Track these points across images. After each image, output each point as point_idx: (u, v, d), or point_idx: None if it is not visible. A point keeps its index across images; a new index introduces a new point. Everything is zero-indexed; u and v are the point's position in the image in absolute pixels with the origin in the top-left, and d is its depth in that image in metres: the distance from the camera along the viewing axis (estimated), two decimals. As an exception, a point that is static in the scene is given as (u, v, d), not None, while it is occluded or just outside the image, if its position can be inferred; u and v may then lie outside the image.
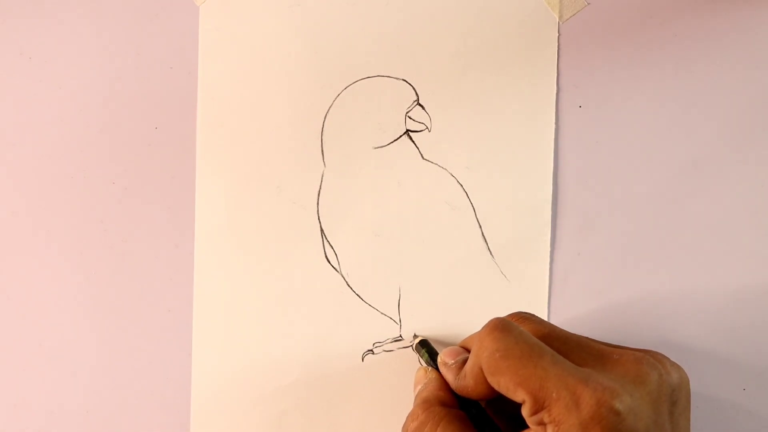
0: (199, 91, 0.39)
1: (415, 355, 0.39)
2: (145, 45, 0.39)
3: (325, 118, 0.39)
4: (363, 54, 0.39)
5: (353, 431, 0.39)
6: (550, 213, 0.39)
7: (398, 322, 0.39)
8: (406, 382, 0.39)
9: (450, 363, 0.34)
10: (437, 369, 0.35)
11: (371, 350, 0.39)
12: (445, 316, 0.39)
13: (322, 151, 0.39)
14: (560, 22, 0.38)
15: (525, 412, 0.29)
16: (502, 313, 0.38)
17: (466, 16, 0.39)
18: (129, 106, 0.39)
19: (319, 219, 0.39)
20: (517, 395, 0.28)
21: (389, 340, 0.39)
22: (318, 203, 0.39)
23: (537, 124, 0.39)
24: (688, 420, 0.30)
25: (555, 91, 0.38)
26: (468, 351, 0.34)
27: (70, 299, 0.40)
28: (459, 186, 0.39)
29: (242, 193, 0.39)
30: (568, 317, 0.39)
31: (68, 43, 0.39)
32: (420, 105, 0.39)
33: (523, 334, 0.30)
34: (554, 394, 0.28)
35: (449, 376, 0.33)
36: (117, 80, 0.39)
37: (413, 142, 0.39)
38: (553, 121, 0.39)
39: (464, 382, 0.32)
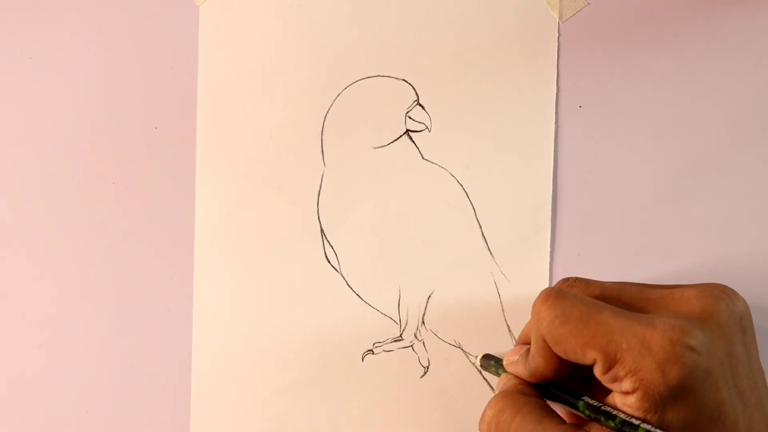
0: (199, 91, 0.39)
1: (414, 356, 0.39)
2: (145, 45, 0.39)
3: (325, 118, 0.39)
4: (363, 54, 0.39)
5: (353, 431, 0.39)
6: (550, 213, 0.39)
7: (398, 322, 0.39)
8: (406, 382, 0.39)
9: (516, 358, 0.33)
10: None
11: (371, 350, 0.39)
12: (445, 316, 0.39)
13: (322, 151, 0.39)
14: (560, 22, 0.38)
15: (598, 371, 0.28)
16: (502, 313, 0.38)
17: (466, 16, 0.39)
18: (129, 106, 0.39)
19: (319, 219, 0.39)
20: (587, 357, 0.28)
21: (389, 340, 0.39)
22: (318, 203, 0.39)
23: (537, 124, 0.38)
24: (757, 348, 0.30)
25: (555, 91, 0.38)
26: (528, 344, 0.33)
27: (70, 299, 0.40)
28: (459, 186, 0.39)
29: (242, 193, 0.39)
30: (568, 317, 0.38)
31: (68, 43, 0.40)
32: (420, 105, 0.39)
33: (578, 296, 0.29)
34: (624, 345, 0.27)
35: (520, 370, 0.32)
36: (117, 80, 0.39)
37: (413, 142, 0.39)
38: (553, 121, 0.39)
39: (534, 364, 0.31)
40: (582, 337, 0.28)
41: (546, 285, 0.38)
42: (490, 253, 0.39)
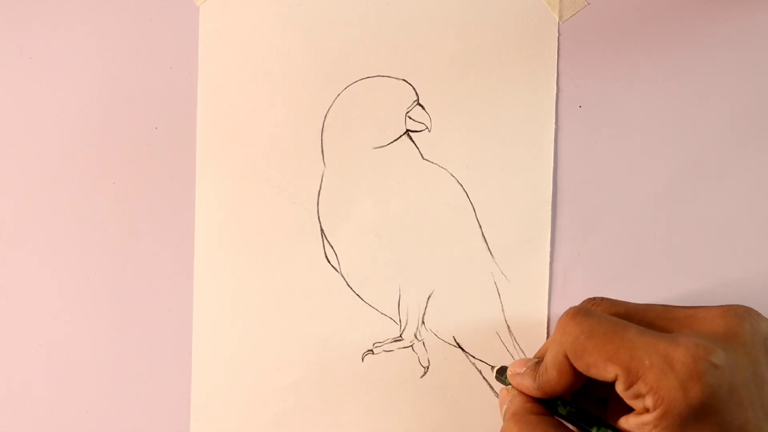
0: (199, 91, 0.39)
1: (414, 356, 0.39)
2: (145, 45, 0.39)
3: (325, 118, 0.39)
4: (363, 54, 0.39)
5: (353, 431, 0.39)
6: (550, 213, 0.39)
7: (398, 322, 0.39)
8: (406, 382, 0.39)
9: (522, 371, 0.33)
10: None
11: (371, 350, 0.39)
12: (445, 316, 0.39)
13: (322, 151, 0.39)
14: (560, 22, 0.38)
15: (620, 387, 0.28)
16: (502, 313, 0.38)
17: (466, 16, 0.39)
18: (129, 106, 0.39)
19: (319, 219, 0.39)
20: (608, 372, 0.28)
21: (389, 340, 0.39)
22: (318, 203, 0.39)
23: (537, 124, 0.39)
24: None
25: (555, 91, 0.38)
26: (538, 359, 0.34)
27: (70, 299, 0.40)
28: (459, 186, 0.39)
29: (242, 193, 0.39)
30: (568, 317, 0.38)
31: (68, 43, 0.39)
32: (420, 105, 0.39)
33: (604, 315, 0.29)
34: (647, 362, 0.27)
35: (527, 382, 0.32)
36: (117, 80, 0.39)
37: (413, 142, 0.39)
38: (553, 121, 0.39)
39: (546, 377, 0.31)
40: (605, 351, 0.28)
41: (546, 285, 0.38)
42: (490, 253, 0.39)
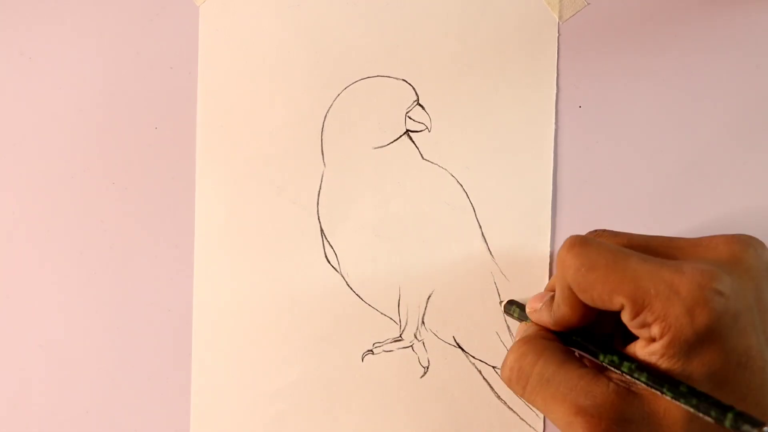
0: (199, 91, 0.39)
1: (414, 356, 0.39)
2: (145, 45, 0.39)
3: (325, 118, 0.39)
4: (363, 54, 0.39)
5: (353, 431, 0.39)
6: (550, 213, 0.39)
7: (398, 322, 0.39)
8: (406, 382, 0.39)
9: (539, 306, 0.32)
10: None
11: (371, 350, 0.39)
12: (445, 316, 0.39)
13: (322, 151, 0.39)
14: (560, 22, 0.38)
15: (626, 317, 0.27)
16: (503, 313, 0.38)
17: (466, 16, 0.39)
18: (129, 106, 0.40)
19: (319, 219, 0.39)
20: (614, 302, 0.27)
21: (389, 340, 0.39)
22: (318, 203, 0.39)
23: (537, 124, 0.38)
24: None
25: (555, 91, 0.38)
26: (553, 291, 0.33)
27: (70, 299, 0.40)
28: (459, 186, 0.39)
29: (242, 193, 0.39)
30: (568, 317, 0.38)
31: (68, 43, 0.40)
32: (420, 105, 0.39)
33: (603, 243, 0.28)
34: (651, 291, 0.26)
35: (544, 317, 0.32)
36: (117, 80, 0.39)
37: (413, 142, 0.39)
38: (553, 121, 0.39)
39: (560, 312, 0.30)
40: (609, 283, 0.27)
41: (546, 285, 0.38)
42: (490, 253, 0.39)
